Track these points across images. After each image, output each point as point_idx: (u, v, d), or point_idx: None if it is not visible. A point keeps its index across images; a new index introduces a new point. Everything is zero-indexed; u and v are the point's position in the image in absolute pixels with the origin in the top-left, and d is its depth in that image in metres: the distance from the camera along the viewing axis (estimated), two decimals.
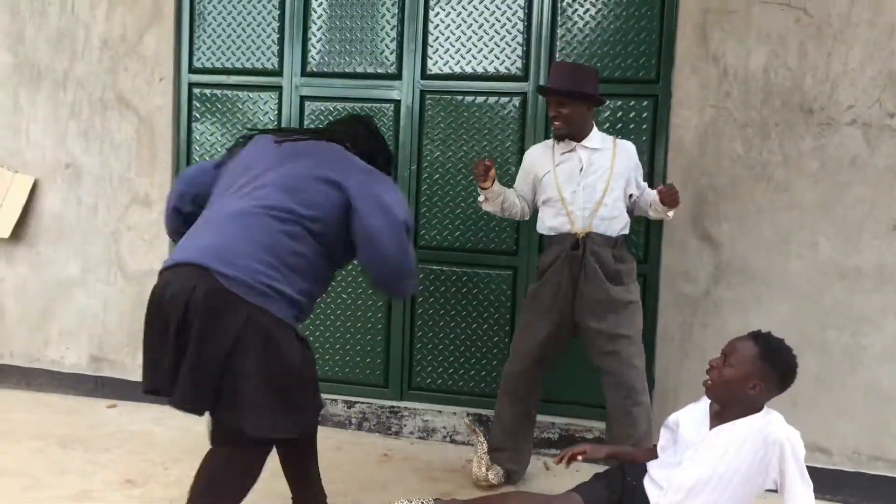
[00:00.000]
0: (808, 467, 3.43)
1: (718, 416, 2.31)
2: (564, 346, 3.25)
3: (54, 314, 4.19)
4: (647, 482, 2.39)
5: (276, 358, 2.13)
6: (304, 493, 2.58)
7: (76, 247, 4.15)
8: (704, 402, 2.40)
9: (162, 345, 2.13)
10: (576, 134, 3.13)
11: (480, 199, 3.25)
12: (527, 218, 3.35)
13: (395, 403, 3.87)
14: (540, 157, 3.21)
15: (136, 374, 4.09)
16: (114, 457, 3.32)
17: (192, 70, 4.04)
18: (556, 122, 3.11)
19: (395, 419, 3.84)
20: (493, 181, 3.16)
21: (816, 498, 3.38)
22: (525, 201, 3.29)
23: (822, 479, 3.40)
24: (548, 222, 3.18)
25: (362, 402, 3.88)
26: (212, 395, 2.11)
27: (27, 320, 4.23)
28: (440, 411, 3.79)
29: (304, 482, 2.58)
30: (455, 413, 3.78)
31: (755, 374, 2.21)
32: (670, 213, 3.17)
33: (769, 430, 2.19)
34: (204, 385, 2.09)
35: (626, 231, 3.19)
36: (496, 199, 3.20)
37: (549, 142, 3.24)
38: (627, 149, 3.20)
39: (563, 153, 3.16)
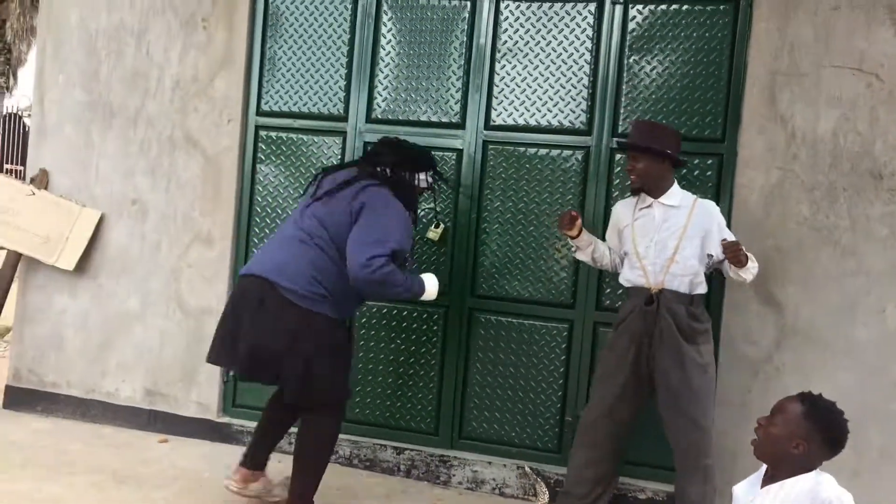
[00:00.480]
0: None
1: (770, 478, 2.26)
2: (642, 401, 3.22)
3: (113, 346, 4.26)
4: None
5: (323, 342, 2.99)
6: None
7: (138, 281, 4.22)
8: (762, 468, 2.36)
9: (234, 330, 3.00)
10: (652, 189, 3.19)
11: (573, 248, 3.44)
12: (619, 270, 3.36)
13: (444, 452, 3.84)
14: (623, 211, 3.32)
15: (188, 409, 4.15)
16: (166, 494, 3.35)
17: (259, 113, 4.13)
18: (632, 176, 3.20)
19: (444, 468, 3.81)
20: (581, 230, 3.34)
21: None
22: (615, 253, 3.38)
23: None
24: (625, 275, 3.26)
25: (411, 450, 3.86)
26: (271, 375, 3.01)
27: (86, 351, 4.31)
28: (490, 462, 3.75)
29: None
30: (505, 465, 3.74)
31: (799, 434, 2.16)
32: (746, 276, 3.12)
33: (818, 489, 2.13)
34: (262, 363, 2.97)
35: (703, 290, 3.18)
36: (587, 248, 3.38)
37: (635, 197, 3.29)
38: (707, 208, 3.20)
39: (642, 208, 3.23)
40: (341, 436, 3.92)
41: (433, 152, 3.52)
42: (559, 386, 3.74)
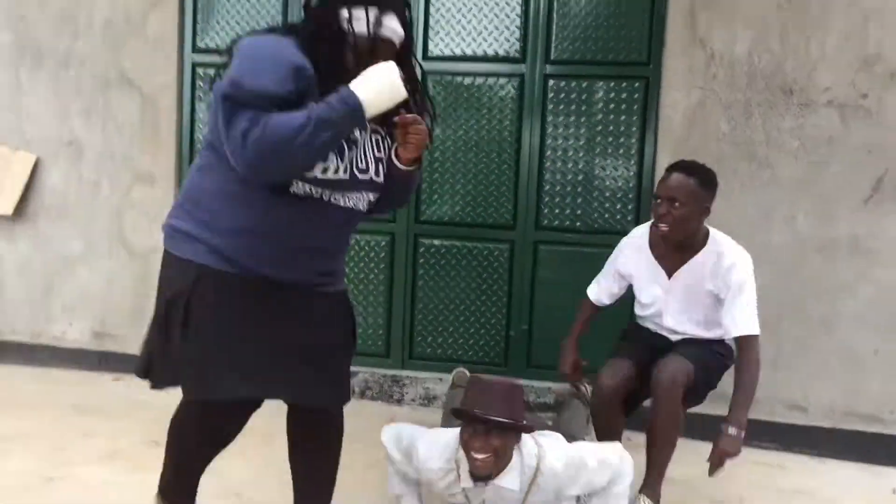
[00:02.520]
0: (787, 425, 3.75)
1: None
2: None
3: (57, 290, 4.26)
4: None
5: None
6: None
7: (78, 224, 4.21)
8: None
9: None
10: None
11: None
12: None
13: (396, 372, 4.02)
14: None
15: (139, 348, 4.19)
16: (133, 421, 3.42)
17: (195, 50, 4.13)
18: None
19: (397, 387, 4.00)
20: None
21: (795, 452, 3.65)
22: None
23: (800, 436, 3.67)
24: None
25: (365, 372, 4.02)
26: None
27: (29, 297, 4.29)
28: (441, 379, 3.95)
29: None
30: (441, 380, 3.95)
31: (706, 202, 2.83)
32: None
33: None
34: None
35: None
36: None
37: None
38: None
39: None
40: None
41: None
42: (503, 304, 3.95)
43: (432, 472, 2.33)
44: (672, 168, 2.85)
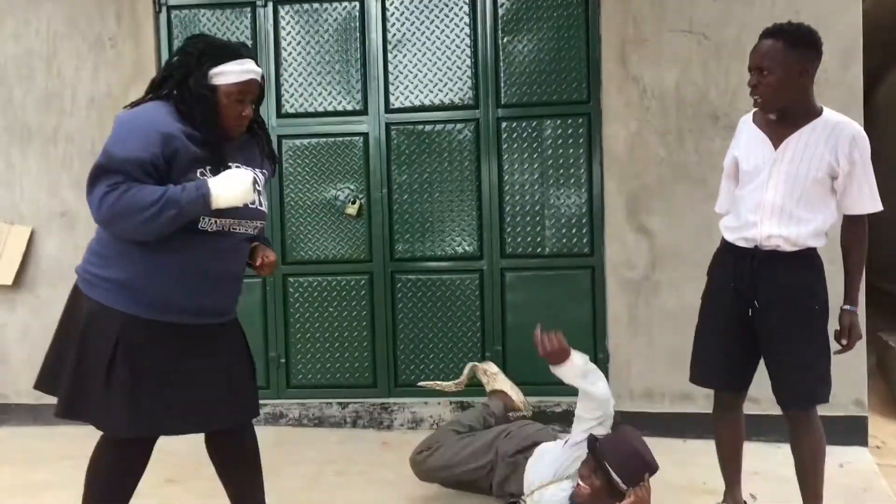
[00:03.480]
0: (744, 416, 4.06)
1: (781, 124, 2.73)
2: None
3: None
4: None
5: None
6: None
7: None
8: None
9: None
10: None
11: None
12: None
13: (385, 400, 4.34)
14: None
15: None
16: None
17: None
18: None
19: (386, 414, 4.31)
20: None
21: (752, 441, 3.98)
22: None
23: (754, 425, 3.99)
24: None
25: (355, 402, 4.33)
26: None
27: (31, 361, 4.48)
28: (426, 402, 4.27)
29: None
30: (439, 403, 4.26)
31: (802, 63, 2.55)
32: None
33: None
34: None
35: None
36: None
37: None
38: None
39: None
40: (290, 400, 4.37)
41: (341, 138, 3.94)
42: (477, 328, 4.30)
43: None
44: (762, 34, 2.71)
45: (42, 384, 2.50)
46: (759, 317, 2.78)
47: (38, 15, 4.48)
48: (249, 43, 4.42)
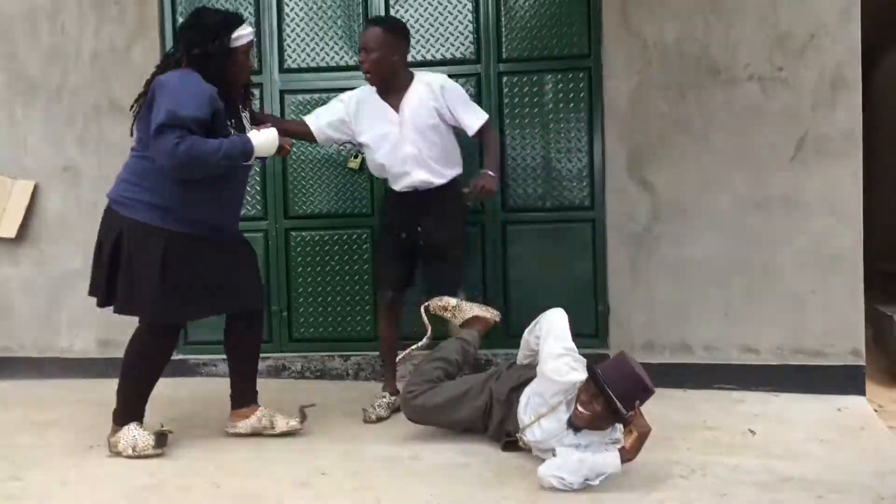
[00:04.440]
0: (742, 365, 4.20)
1: None
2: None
3: (62, 305, 4.54)
4: None
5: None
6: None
7: (78, 242, 4.48)
8: None
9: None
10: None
11: None
12: None
13: None
14: None
15: None
16: (151, 405, 3.63)
17: None
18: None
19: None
20: None
21: (751, 390, 4.03)
22: None
23: (753, 374, 4.07)
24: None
25: (357, 355, 4.35)
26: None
27: (36, 314, 4.57)
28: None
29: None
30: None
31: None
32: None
33: None
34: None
35: None
36: None
37: None
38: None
39: None
40: (292, 353, 4.40)
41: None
42: (478, 280, 4.32)
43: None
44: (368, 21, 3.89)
45: (96, 294, 3.20)
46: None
47: None
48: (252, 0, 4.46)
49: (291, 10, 4.44)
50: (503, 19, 4.29)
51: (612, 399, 2.70)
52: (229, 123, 3.10)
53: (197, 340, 4.49)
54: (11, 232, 4.49)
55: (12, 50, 4.56)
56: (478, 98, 4.30)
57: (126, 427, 3.14)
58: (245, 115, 3.32)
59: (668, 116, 4.13)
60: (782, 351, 4.06)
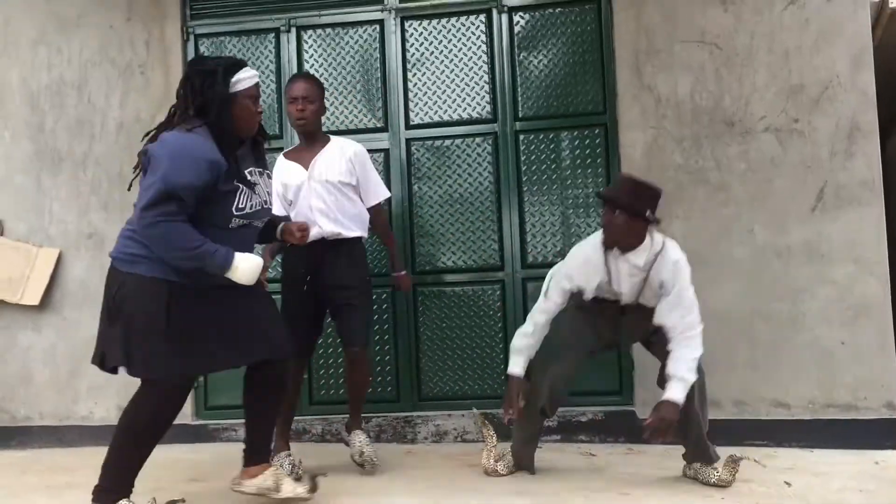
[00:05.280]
0: (772, 421, 4.09)
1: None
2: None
3: (82, 373, 4.51)
4: None
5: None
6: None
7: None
8: None
9: None
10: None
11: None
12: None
13: (408, 414, 4.30)
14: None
15: None
16: (171, 469, 3.64)
17: None
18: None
19: (409, 427, 4.27)
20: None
21: (783, 446, 3.91)
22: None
23: (785, 430, 3.96)
24: None
25: (378, 416, 4.29)
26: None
27: (56, 382, 4.55)
28: (449, 415, 4.24)
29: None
30: (463, 415, 4.21)
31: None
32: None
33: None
34: None
35: None
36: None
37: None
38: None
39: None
40: (312, 417, 4.35)
41: None
42: (500, 339, 4.29)
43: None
44: (293, 77, 3.88)
45: (96, 359, 2.97)
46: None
47: (69, 44, 4.66)
48: (273, 67, 4.57)
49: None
50: (519, 79, 4.37)
51: (628, 207, 3.13)
52: (238, 189, 2.82)
53: (217, 405, 4.46)
54: (35, 300, 4.53)
55: (40, 121, 4.68)
56: (495, 157, 4.35)
57: None
58: (254, 175, 2.93)
59: (684, 168, 4.14)
60: (814, 405, 3.96)
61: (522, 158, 4.35)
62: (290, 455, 3.59)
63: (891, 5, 5.79)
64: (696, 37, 4.17)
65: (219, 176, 2.74)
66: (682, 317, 3.19)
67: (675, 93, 4.17)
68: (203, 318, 2.80)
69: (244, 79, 2.84)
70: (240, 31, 4.64)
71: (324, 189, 3.57)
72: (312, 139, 3.66)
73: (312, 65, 4.56)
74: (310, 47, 4.57)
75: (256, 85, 2.90)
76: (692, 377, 3.12)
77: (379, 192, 3.75)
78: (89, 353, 4.47)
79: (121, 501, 2.82)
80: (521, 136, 4.35)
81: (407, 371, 4.36)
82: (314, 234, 3.42)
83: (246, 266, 2.78)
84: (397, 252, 3.97)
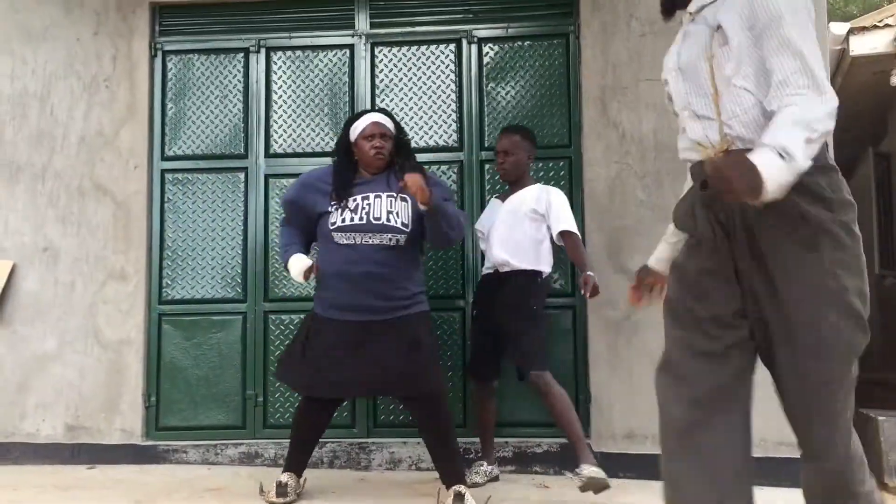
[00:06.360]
0: None
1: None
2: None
3: (30, 388, 4.41)
4: None
5: None
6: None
7: (53, 323, 4.44)
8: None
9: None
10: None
11: None
12: None
13: (363, 440, 4.25)
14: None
15: (112, 437, 4.35)
16: (116, 490, 3.55)
17: (164, 158, 4.56)
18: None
19: (364, 454, 4.22)
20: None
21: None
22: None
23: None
24: None
25: (332, 442, 4.24)
26: None
27: (2, 396, 4.44)
28: (405, 442, 4.20)
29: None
30: (419, 443, 4.16)
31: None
32: None
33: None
34: None
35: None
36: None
37: None
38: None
39: None
40: (266, 440, 4.29)
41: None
42: (459, 367, 4.27)
43: None
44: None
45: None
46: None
47: (35, 55, 4.61)
48: (241, 86, 4.56)
49: (279, 97, 4.55)
50: (486, 109, 4.42)
51: None
52: (335, 205, 3.39)
53: (167, 426, 4.37)
54: None
55: None
56: (460, 185, 4.37)
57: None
58: (387, 195, 3.42)
59: (647, 204, 4.19)
60: (765, 442, 3.98)
61: (487, 188, 4.37)
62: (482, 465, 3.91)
63: (851, 53, 5.97)
64: (660, 75, 4.23)
65: (308, 196, 3.48)
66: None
67: (638, 129, 4.23)
68: (328, 350, 3.34)
69: (358, 125, 3.51)
70: (209, 50, 4.62)
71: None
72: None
73: (280, 86, 4.56)
74: (279, 68, 4.57)
75: (370, 124, 3.48)
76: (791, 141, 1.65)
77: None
78: (38, 366, 4.45)
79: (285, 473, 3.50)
80: (487, 166, 4.38)
81: (363, 399, 4.32)
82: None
83: (292, 264, 3.47)
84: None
